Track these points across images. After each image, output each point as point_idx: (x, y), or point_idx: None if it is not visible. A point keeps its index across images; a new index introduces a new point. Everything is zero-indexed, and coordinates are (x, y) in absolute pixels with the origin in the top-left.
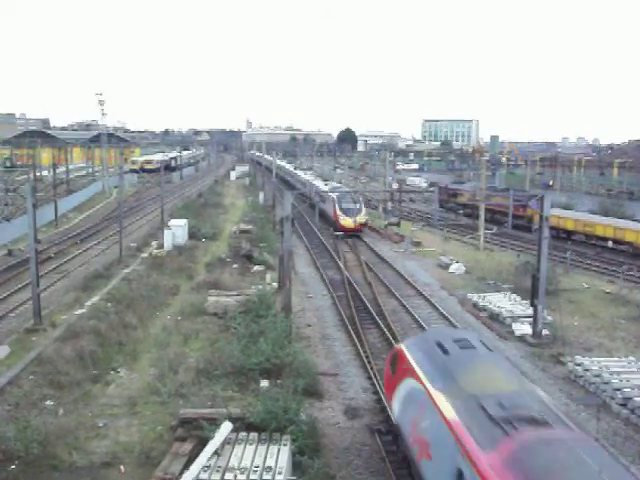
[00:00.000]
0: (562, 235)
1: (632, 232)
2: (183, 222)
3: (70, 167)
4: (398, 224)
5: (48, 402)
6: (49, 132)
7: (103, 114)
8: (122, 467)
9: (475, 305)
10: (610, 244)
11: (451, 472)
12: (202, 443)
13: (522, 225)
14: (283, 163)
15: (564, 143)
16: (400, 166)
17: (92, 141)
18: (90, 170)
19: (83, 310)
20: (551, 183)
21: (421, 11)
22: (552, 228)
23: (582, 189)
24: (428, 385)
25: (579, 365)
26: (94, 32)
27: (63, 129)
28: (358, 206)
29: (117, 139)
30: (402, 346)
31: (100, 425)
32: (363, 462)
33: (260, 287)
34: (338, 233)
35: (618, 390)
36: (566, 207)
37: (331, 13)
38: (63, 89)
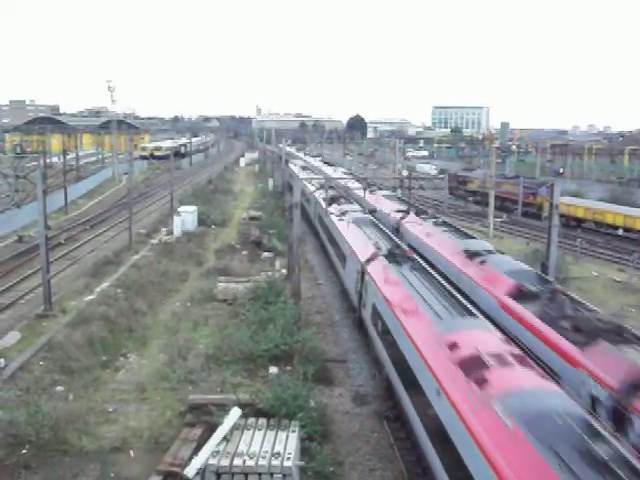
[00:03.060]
0: (572, 223)
1: None
2: (193, 209)
3: (80, 154)
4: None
5: (58, 387)
6: (59, 119)
7: (113, 101)
8: (131, 452)
9: None
10: (620, 232)
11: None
12: (211, 429)
13: (532, 213)
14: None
15: (575, 131)
16: (410, 153)
17: (102, 128)
18: (100, 157)
19: (93, 296)
20: (561, 171)
21: None
22: (562, 216)
23: (592, 177)
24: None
25: None
26: (104, 18)
27: (73, 116)
28: None
29: (127, 126)
30: None
31: (110, 410)
32: (371, 448)
33: (269, 274)
34: None
35: None
36: (576, 195)
37: None
38: (73, 76)
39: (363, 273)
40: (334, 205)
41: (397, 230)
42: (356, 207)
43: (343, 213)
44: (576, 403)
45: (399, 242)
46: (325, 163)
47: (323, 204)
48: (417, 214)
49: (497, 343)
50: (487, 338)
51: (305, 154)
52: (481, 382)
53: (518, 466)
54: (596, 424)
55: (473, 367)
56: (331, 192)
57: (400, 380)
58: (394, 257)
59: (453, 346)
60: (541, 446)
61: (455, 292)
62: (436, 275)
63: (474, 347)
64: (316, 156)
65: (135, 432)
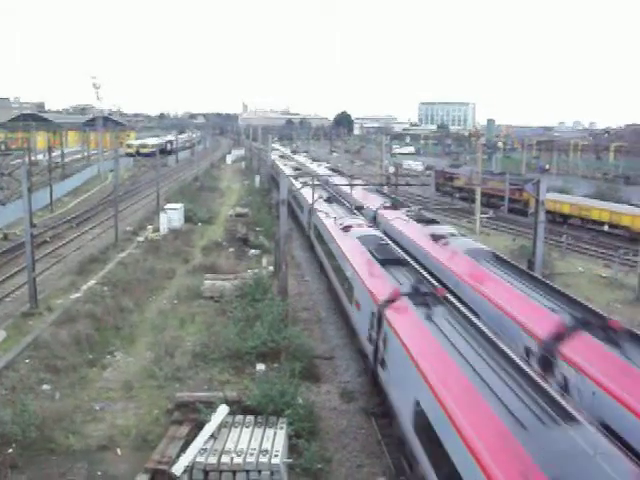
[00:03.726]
0: (558, 219)
1: (628, 216)
2: (179, 206)
3: (65, 151)
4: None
5: (45, 386)
6: (44, 116)
7: (98, 98)
8: (119, 450)
9: None
10: (606, 228)
11: None
12: (198, 426)
13: (518, 209)
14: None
15: (560, 127)
16: (396, 150)
17: (87, 125)
18: (85, 154)
19: (79, 294)
20: (547, 167)
21: None
22: (548, 212)
23: (578, 173)
24: None
25: None
26: (89, 15)
27: (58, 113)
28: None
29: (112, 123)
30: None
31: (97, 409)
32: (359, 445)
33: (256, 271)
34: None
35: None
36: (562, 191)
37: None
38: (58, 73)
39: (380, 318)
40: (333, 214)
41: (374, 219)
42: (360, 221)
43: (346, 228)
44: None
45: (425, 275)
46: (315, 161)
47: (329, 227)
48: (394, 206)
49: None
50: None
51: (293, 152)
52: None
53: None
54: None
55: None
56: (326, 194)
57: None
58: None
59: None
60: None
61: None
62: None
63: None
64: (302, 152)
65: (122, 430)
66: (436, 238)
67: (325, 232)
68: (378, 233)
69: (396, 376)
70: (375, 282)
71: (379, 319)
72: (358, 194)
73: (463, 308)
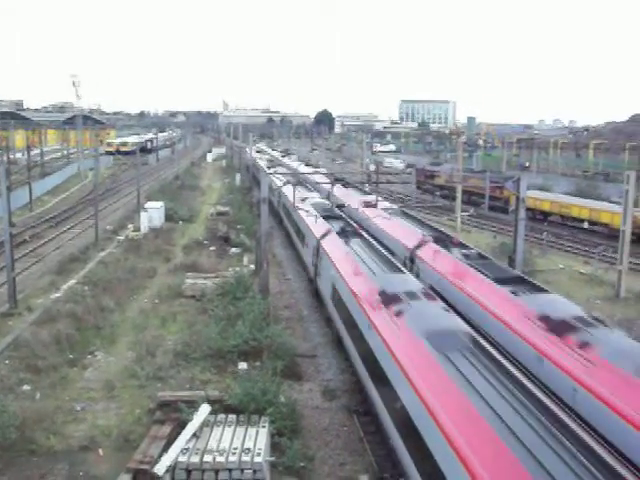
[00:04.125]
0: (538, 216)
1: (607, 213)
2: (159, 204)
3: (44, 149)
4: (375, 206)
5: (25, 386)
6: (22, 114)
7: (78, 96)
8: (100, 451)
9: None
10: (586, 225)
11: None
12: (180, 426)
13: (499, 207)
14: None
15: (540, 125)
16: (377, 147)
17: (67, 123)
18: (65, 152)
19: (59, 294)
20: (527, 165)
21: None
22: (528, 209)
23: (558, 171)
24: None
25: None
26: (69, 12)
27: (37, 111)
28: None
29: (92, 121)
30: None
31: (78, 409)
32: (342, 443)
33: (237, 269)
34: None
35: None
36: (542, 189)
37: None
38: (37, 71)
39: (318, 247)
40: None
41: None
42: (315, 195)
43: (304, 199)
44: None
45: (350, 222)
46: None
47: (291, 198)
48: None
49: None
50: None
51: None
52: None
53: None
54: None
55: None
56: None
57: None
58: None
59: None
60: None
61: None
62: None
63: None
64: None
65: (104, 430)
66: (367, 203)
67: (289, 203)
68: (325, 201)
69: (324, 276)
70: (316, 227)
71: (317, 248)
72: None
73: (371, 239)
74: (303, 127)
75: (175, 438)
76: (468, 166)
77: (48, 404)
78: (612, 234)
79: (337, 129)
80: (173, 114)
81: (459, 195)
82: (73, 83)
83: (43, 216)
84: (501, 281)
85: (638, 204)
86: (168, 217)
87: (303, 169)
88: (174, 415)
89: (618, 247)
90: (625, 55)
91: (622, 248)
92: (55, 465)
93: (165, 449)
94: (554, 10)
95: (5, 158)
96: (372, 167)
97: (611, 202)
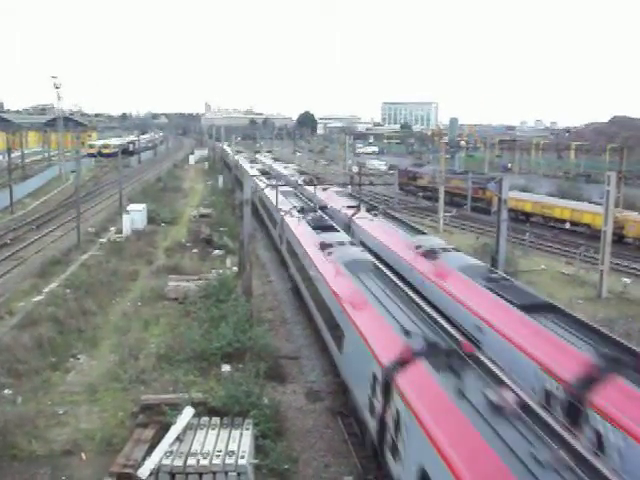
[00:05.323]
0: (520, 217)
1: (589, 214)
2: (142, 207)
3: (25, 152)
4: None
5: (6, 391)
6: (3, 116)
7: (59, 98)
8: (83, 455)
9: None
10: (568, 226)
11: None
12: (164, 429)
13: (481, 207)
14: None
15: (522, 126)
16: (360, 149)
17: (48, 125)
18: (46, 155)
19: (41, 297)
20: (509, 166)
21: None
22: (511, 210)
23: (540, 172)
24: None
25: None
26: (48, 13)
27: (18, 113)
28: None
29: (74, 123)
30: None
31: (60, 413)
32: (325, 444)
33: (220, 271)
34: None
35: None
36: (524, 190)
37: None
38: (18, 72)
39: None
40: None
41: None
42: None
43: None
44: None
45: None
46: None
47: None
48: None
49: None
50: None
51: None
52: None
53: None
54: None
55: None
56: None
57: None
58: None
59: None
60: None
61: None
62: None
63: None
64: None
65: (86, 434)
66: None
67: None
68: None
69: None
70: (296, 225)
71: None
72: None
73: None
74: (285, 129)
75: (159, 441)
76: (450, 167)
77: (30, 408)
78: (594, 235)
79: (320, 131)
80: (155, 116)
81: (441, 196)
82: (54, 85)
83: (24, 219)
84: (409, 229)
85: (619, 205)
86: (150, 219)
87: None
88: (157, 418)
89: (600, 247)
90: (605, 57)
91: (603, 248)
92: (37, 470)
93: (148, 452)
94: (535, 13)
95: None
96: (355, 169)
97: (592, 203)
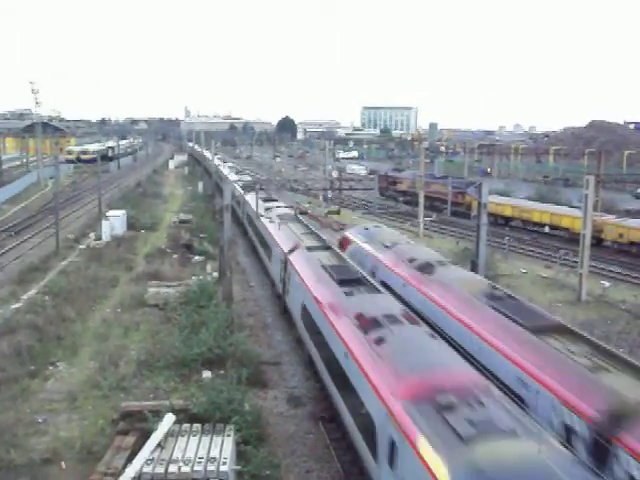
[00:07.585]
0: (500, 221)
1: (568, 218)
2: (121, 212)
3: (3, 158)
4: (338, 212)
5: None
6: None
7: (37, 103)
8: (63, 463)
9: None
10: (547, 230)
11: None
12: (145, 436)
13: (461, 212)
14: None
15: (501, 131)
16: (340, 154)
17: (26, 131)
18: (24, 161)
19: (19, 304)
20: (489, 170)
21: None
22: (490, 215)
23: (519, 176)
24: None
25: None
26: (26, 17)
27: None
28: None
29: (52, 128)
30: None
31: (39, 421)
32: (308, 450)
33: (201, 277)
34: None
35: None
36: (504, 194)
37: None
38: None
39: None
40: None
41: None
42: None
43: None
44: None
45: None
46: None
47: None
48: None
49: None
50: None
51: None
52: None
53: None
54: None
55: None
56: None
57: None
58: None
59: None
60: None
61: None
62: None
63: None
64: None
65: (66, 442)
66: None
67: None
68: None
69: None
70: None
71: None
72: None
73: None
74: (265, 134)
75: (139, 449)
76: (430, 172)
77: (8, 416)
78: (573, 238)
79: (300, 136)
80: (135, 121)
81: (421, 201)
82: (32, 90)
83: (2, 225)
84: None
85: (598, 208)
86: (130, 225)
87: None
88: (138, 425)
89: (579, 251)
90: (583, 62)
91: (583, 252)
92: (16, 479)
93: (129, 460)
94: (514, 19)
95: None
96: (335, 174)
97: (571, 207)
